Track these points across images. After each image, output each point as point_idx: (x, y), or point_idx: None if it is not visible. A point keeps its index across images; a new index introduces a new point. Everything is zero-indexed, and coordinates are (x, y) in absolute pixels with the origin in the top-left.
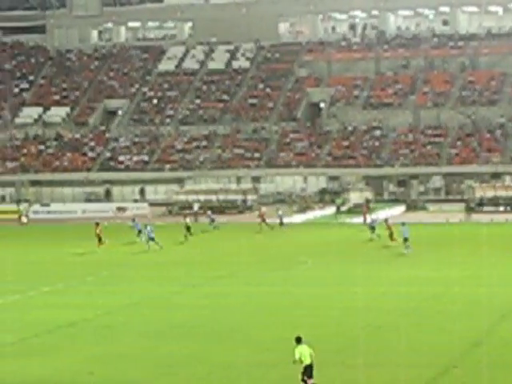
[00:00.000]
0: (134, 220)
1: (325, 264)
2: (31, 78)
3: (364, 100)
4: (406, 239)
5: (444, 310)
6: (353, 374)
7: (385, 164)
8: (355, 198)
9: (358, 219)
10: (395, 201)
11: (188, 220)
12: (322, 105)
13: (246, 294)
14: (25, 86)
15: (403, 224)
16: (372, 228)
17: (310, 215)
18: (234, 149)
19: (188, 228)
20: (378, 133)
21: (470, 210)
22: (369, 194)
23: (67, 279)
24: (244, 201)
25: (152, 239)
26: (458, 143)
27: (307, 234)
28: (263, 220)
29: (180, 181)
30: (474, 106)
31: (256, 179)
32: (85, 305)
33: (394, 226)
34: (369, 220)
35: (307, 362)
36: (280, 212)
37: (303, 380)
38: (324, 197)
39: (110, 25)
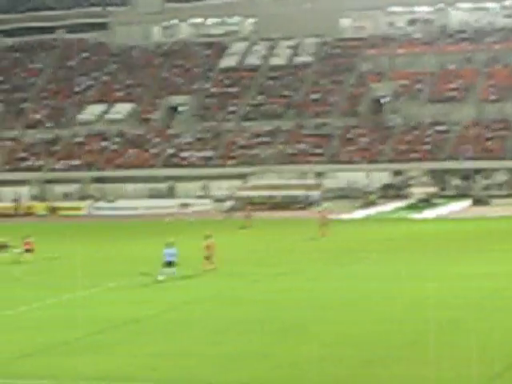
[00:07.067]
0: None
1: (388, 259)
2: (94, 75)
3: (427, 94)
4: (169, 263)
5: (509, 305)
6: (419, 369)
7: (448, 158)
8: (419, 192)
9: (419, 215)
10: (459, 195)
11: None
12: (385, 100)
13: (310, 290)
14: (88, 83)
15: (169, 245)
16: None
17: (373, 210)
18: (297, 144)
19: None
20: (441, 127)
21: None
22: (432, 189)
23: (132, 275)
24: (307, 197)
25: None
26: None
27: (370, 229)
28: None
29: (243, 176)
30: None
31: (319, 175)
32: (149, 301)
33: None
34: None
35: None
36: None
37: None
38: (387, 192)
39: (172, 21)
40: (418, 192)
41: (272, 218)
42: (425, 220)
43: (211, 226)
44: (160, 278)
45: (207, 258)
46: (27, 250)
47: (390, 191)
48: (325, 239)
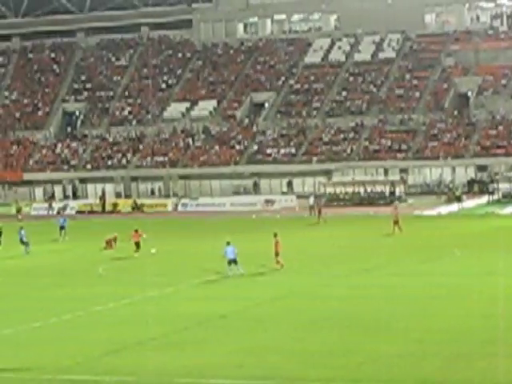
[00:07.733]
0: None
1: (474, 255)
2: (178, 72)
3: None
4: (230, 261)
5: None
6: (504, 364)
7: None
8: (504, 188)
9: (505, 210)
10: None
11: None
12: (470, 94)
13: (394, 285)
14: (172, 80)
15: (228, 244)
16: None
17: (459, 206)
18: (381, 140)
19: None
20: None
21: None
22: None
23: (217, 272)
24: (392, 192)
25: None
26: None
27: (455, 224)
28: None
29: (327, 173)
30: None
31: (404, 170)
32: (234, 297)
33: None
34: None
35: None
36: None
37: None
38: (472, 188)
39: (255, 18)
40: (504, 187)
41: (356, 213)
42: (511, 215)
43: (296, 223)
44: (230, 273)
45: (276, 255)
46: (135, 243)
47: (475, 187)
48: (403, 235)
